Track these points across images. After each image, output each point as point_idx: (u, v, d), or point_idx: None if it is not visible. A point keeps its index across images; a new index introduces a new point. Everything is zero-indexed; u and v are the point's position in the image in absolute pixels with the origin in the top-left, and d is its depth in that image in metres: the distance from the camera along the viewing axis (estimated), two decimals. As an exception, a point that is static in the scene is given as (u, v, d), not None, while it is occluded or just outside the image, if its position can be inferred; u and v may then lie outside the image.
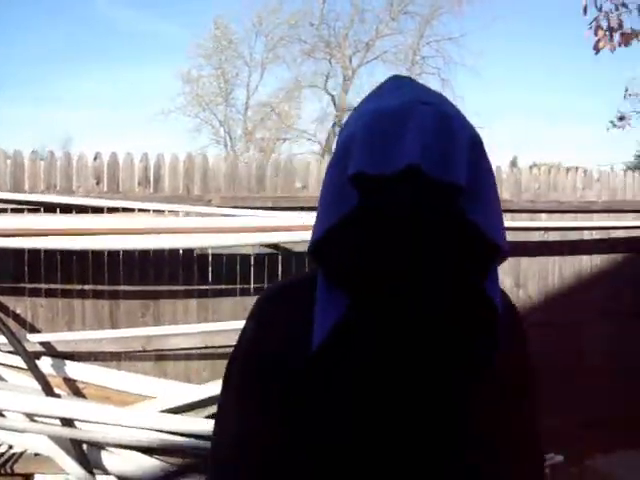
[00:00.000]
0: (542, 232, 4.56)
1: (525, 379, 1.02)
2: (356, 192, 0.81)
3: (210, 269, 3.82)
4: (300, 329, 0.89)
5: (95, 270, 3.65)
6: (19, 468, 3.30)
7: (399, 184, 0.81)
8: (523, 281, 4.54)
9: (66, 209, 3.56)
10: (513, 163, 19.14)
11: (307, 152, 22.58)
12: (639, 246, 5.05)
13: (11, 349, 3.32)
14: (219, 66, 23.23)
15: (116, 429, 3.23)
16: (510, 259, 3.50)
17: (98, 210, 3.59)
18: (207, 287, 3.81)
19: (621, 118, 9.33)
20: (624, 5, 6.71)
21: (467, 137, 0.84)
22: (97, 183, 3.67)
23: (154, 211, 3.63)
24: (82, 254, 3.59)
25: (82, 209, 3.57)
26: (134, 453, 3.32)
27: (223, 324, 3.63)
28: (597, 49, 6.77)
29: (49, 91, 37.24)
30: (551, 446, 3.71)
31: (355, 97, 23.17)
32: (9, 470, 3.28)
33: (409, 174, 0.79)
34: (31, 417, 3.25)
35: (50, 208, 3.55)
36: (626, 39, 6.72)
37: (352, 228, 0.84)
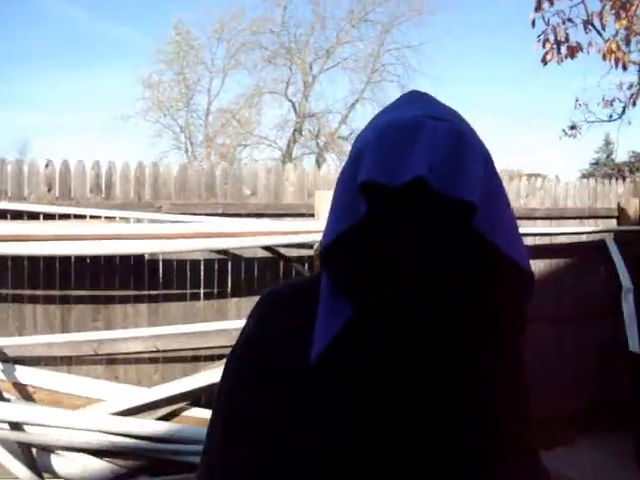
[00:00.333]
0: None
1: (517, 379, 1.01)
2: (364, 200, 0.81)
3: (161, 274, 3.89)
4: (295, 334, 0.91)
5: (46, 275, 3.70)
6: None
7: (405, 195, 0.82)
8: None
9: (17, 216, 3.60)
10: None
11: (268, 158, 22.72)
12: (580, 252, 5.26)
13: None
14: (180, 71, 23.20)
15: (66, 432, 3.28)
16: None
17: (50, 217, 3.64)
18: (157, 292, 3.88)
19: (572, 127, 9.59)
20: (570, 20, 6.98)
21: (481, 155, 0.85)
22: (49, 190, 3.72)
23: (106, 218, 3.69)
24: (33, 260, 3.63)
25: (34, 215, 3.61)
26: (84, 456, 3.37)
27: (173, 328, 3.72)
28: (545, 61, 7.04)
29: (4, 93, 36.61)
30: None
31: (315, 104, 23.40)
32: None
33: (417, 187, 0.80)
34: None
35: (1, 214, 3.58)
36: (572, 52, 6.99)
37: (361, 236, 0.84)
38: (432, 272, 0.84)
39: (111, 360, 3.81)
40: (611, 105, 8.62)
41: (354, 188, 0.82)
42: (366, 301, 0.86)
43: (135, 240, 3.58)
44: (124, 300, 3.84)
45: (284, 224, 3.81)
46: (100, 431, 3.29)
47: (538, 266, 5.01)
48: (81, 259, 3.72)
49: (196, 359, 3.85)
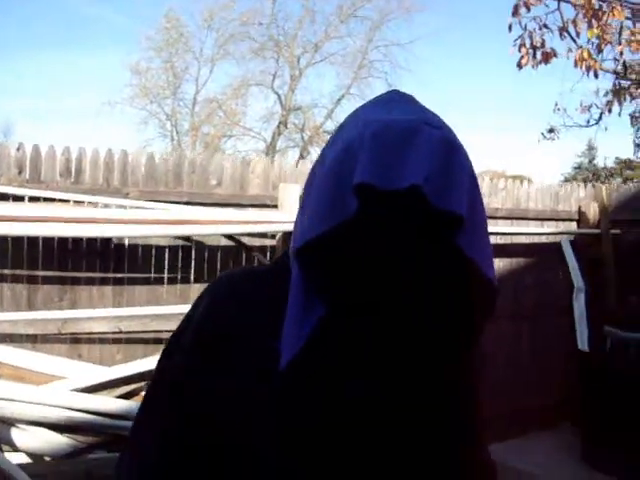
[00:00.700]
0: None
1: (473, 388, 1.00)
2: (356, 201, 0.79)
3: (126, 258, 4.01)
4: (250, 325, 0.91)
5: (14, 255, 3.80)
6: None
7: (397, 199, 0.80)
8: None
9: (-14, 197, 3.70)
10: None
11: (252, 150, 22.80)
12: (539, 252, 5.44)
13: None
14: (169, 59, 23.19)
15: (27, 407, 3.39)
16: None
17: (19, 199, 3.74)
18: (123, 275, 4.00)
19: (550, 130, 9.80)
20: (546, 26, 7.15)
21: (469, 169, 0.85)
22: (19, 172, 3.82)
23: (74, 202, 3.81)
24: (2, 240, 3.74)
25: (3, 197, 3.71)
26: (44, 430, 3.49)
27: (136, 309, 3.84)
28: (520, 65, 7.21)
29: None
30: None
31: (301, 97, 23.49)
32: None
33: (410, 193, 0.79)
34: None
35: (-29, 196, 3.69)
36: (546, 57, 7.17)
37: (345, 235, 0.81)
38: (417, 278, 0.83)
39: (75, 339, 3.91)
40: (588, 111, 8.83)
41: (343, 185, 0.81)
42: (347, 301, 0.84)
43: (102, 224, 3.70)
44: (90, 282, 3.95)
45: (246, 214, 3.95)
46: (61, 407, 3.40)
47: (498, 265, 5.17)
48: (49, 241, 3.82)
49: (158, 341, 3.96)
